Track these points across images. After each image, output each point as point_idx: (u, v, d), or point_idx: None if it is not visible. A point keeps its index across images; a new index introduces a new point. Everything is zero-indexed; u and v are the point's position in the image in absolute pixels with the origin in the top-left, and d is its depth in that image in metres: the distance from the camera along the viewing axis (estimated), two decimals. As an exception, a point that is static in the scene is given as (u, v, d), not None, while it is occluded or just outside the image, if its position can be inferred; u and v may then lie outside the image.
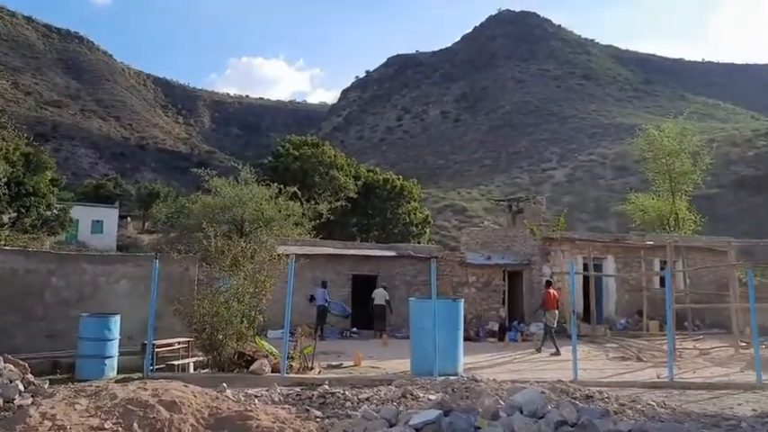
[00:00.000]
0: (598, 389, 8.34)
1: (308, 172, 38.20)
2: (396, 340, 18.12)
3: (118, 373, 11.17)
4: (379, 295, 19.38)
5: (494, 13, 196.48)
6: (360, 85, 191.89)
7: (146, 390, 6.85)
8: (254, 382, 10.32)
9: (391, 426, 5.92)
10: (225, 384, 7.77)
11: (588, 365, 13.97)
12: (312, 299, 19.21)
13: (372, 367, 13.37)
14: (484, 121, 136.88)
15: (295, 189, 26.89)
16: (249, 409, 6.84)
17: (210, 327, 10.76)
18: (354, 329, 20.26)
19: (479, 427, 4.97)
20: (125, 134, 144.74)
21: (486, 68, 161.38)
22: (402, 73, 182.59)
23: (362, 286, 21.25)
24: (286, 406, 7.23)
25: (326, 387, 7.91)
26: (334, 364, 13.43)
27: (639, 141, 31.27)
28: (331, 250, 21.24)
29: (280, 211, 25.11)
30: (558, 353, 15.27)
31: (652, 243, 21.16)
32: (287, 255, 11.94)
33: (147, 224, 58.98)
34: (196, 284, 15.47)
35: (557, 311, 16.23)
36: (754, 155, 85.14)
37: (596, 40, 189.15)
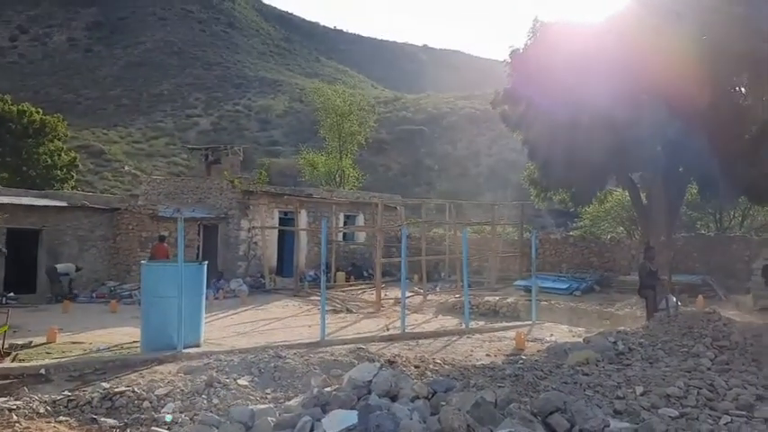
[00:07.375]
0: (392, 352, 8.39)
1: None
2: (80, 305, 15.47)
3: None
4: (69, 268, 16.66)
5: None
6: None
7: None
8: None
9: (248, 429, 4.90)
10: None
11: (309, 321, 14.09)
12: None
13: (74, 343, 11.10)
14: (121, 55, 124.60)
15: None
16: (18, 430, 4.91)
17: None
18: (12, 294, 16.58)
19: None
20: None
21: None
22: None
23: (21, 242, 17.47)
24: (61, 418, 5.39)
25: (105, 386, 6.11)
26: (20, 342, 10.72)
27: (313, 98, 32.47)
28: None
29: None
30: None
31: (346, 199, 22.29)
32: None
33: None
34: None
35: None
36: (375, 120, 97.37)
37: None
